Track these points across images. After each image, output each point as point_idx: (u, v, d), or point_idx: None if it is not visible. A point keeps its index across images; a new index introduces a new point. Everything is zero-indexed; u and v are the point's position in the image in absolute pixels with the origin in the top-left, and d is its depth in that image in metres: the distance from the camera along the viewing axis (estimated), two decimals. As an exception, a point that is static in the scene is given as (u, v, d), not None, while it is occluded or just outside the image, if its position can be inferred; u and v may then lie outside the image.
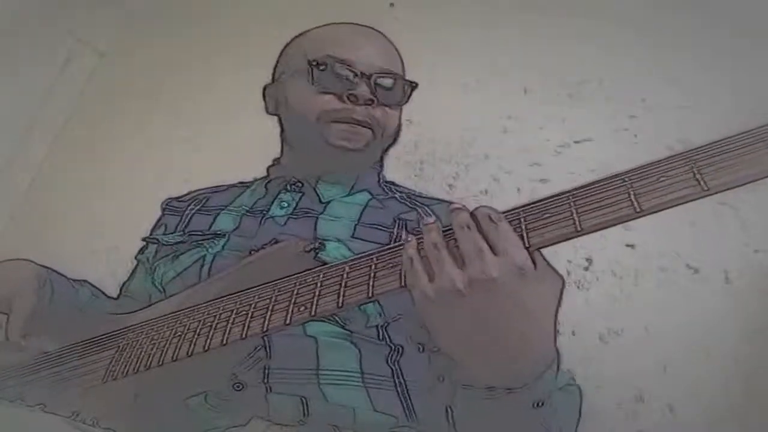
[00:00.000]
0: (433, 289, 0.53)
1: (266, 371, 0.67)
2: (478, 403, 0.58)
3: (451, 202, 0.77)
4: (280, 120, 0.83)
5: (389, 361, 0.68)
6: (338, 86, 0.78)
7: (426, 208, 0.76)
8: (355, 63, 0.79)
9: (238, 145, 0.87)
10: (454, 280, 0.53)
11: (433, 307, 0.54)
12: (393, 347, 0.69)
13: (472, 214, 0.56)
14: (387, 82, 0.79)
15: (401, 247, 0.58)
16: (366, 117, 0.78)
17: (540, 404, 0.57)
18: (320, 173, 0.79)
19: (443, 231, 0.57)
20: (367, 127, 0.78)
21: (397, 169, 0.83)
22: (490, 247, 0.53)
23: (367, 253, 0.60)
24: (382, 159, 0.83)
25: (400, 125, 0.83)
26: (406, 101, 0.81)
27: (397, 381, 0.68)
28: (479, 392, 0.57)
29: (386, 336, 0.69)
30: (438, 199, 0.78)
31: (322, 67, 0.79)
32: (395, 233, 0.73)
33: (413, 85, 0.81)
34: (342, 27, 0.84)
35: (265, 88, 0.84)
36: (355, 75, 0.78)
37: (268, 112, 0.84)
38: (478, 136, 0.86)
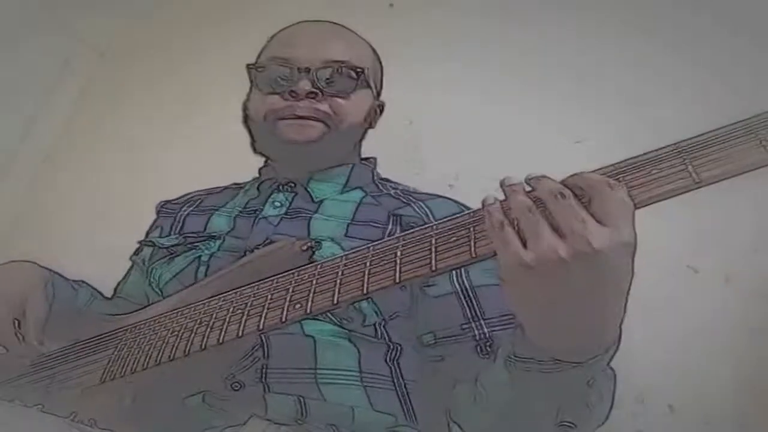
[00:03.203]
0: (532, 257, 0.48)
1: (264, 371, 0.67)
2: (531, 377, 0.55)
3: (446, 197, 0.77)
4: (249, 129, 0.82)
5: (388, 360, 0.68)
6: (280, 85, 0.78)
7: (421, 203, 0.75)
8: (295, 59, 0.78)
9: (237, 145, 0.87)
10: (557, 249, 0.47)
11: (525, 276, 0.48)
12: (391, 346, 0.68)
13: (563, 182, 0.50)
14: (329, 73, 0.78)
15: (395, 242, 0.57)
16: (310, 111, 0.77)
17: (592, 382, 0.55)
18: (310, 172, 0.79)
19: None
20: (315, 120, 0.77)
21: (397, 168, 0.83)
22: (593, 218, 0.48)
23: (362, 248, 0.58)
24: (360, 146, 0.83)
25: (375, 108, 0.82)
26: (358, 87, 0.79)
27: (395, 380, 0.67)
28: (540, 365, 0.54)
29: (384, 335, 0.68)
30: (434, 195, 0.78)
31: (260, 69, 0.80)
32: (389, 229, 0.73)
33: (359, 70, 0.79)
34: (295, 25, 0.83)
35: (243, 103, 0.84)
36: (296, 71, 0.77)
37: (244, 123, 0.83)
38: (478, 136, 0.86)
